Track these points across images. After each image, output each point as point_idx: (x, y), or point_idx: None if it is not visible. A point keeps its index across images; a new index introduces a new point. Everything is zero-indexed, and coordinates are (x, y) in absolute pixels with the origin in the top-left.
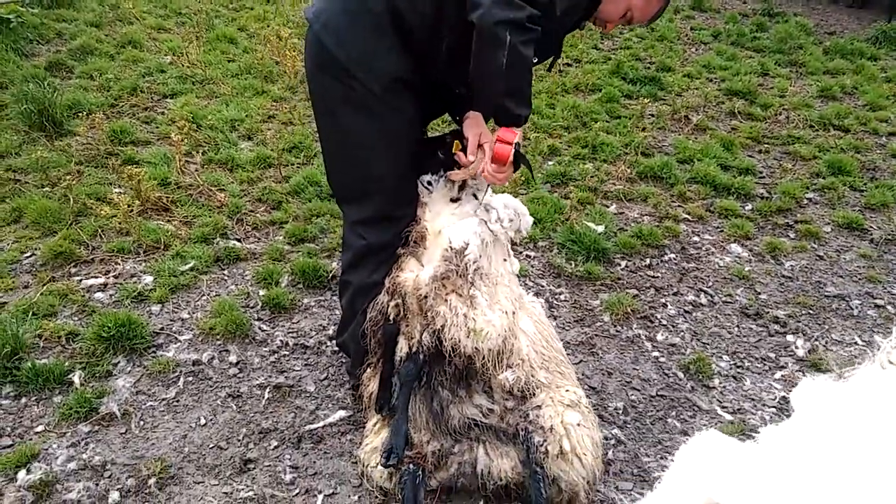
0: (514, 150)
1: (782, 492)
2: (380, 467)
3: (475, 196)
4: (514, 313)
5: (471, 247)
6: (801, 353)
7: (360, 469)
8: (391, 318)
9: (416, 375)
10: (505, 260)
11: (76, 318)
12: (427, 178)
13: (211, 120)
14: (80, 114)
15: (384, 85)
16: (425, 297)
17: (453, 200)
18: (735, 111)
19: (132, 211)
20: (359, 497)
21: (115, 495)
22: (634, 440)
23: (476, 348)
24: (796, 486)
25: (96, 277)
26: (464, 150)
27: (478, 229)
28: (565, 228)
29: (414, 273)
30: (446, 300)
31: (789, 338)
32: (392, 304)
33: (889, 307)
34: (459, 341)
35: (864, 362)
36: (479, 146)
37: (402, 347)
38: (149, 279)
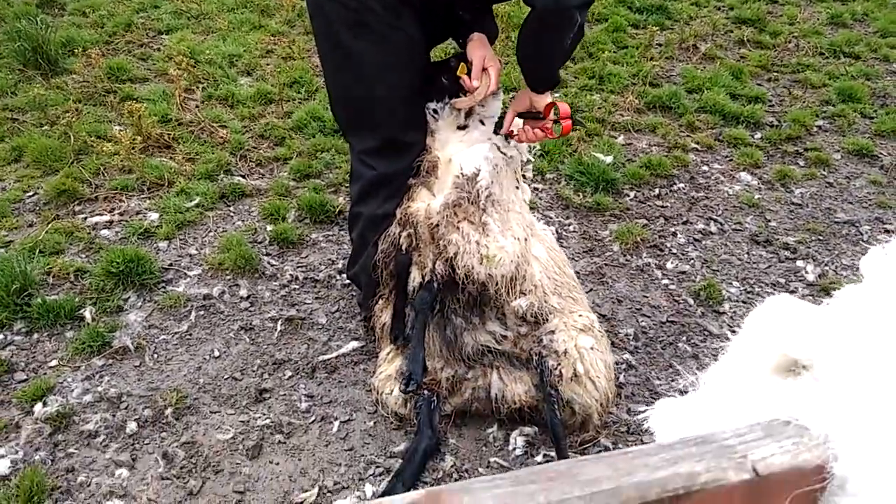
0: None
1: (861, 347)
2: (395, 394)
3: (482, 122)
4: (526, 240)
5: (482, 173)
6: (811, 277)
7: (374, 396)
8: (403, 248)
9: (430, 304)
10: (517, 188)
11: (84, 255)
12: (433, 105)
13: (209, 55)
14: (76, 51)
15: (384, 3)
16: (437, 225)
17: (460, 128)
18: (744, 39)
19: (134, 148)
20: (374, 423)
21: (132, 425)
22: (646, 364)
23: (489, 275)
24: (870, 341)
25: (101, 215)
26: (469, 74)
27: (489, 155)
28: (573, 160)
29: (425, 203)
30: (458, 228)
31: (799, 263)
32: (404, 234)
33: None
34: (472, 268)
35: None
36: (484, 70)
37: (415, 278)
38: (154, 216)
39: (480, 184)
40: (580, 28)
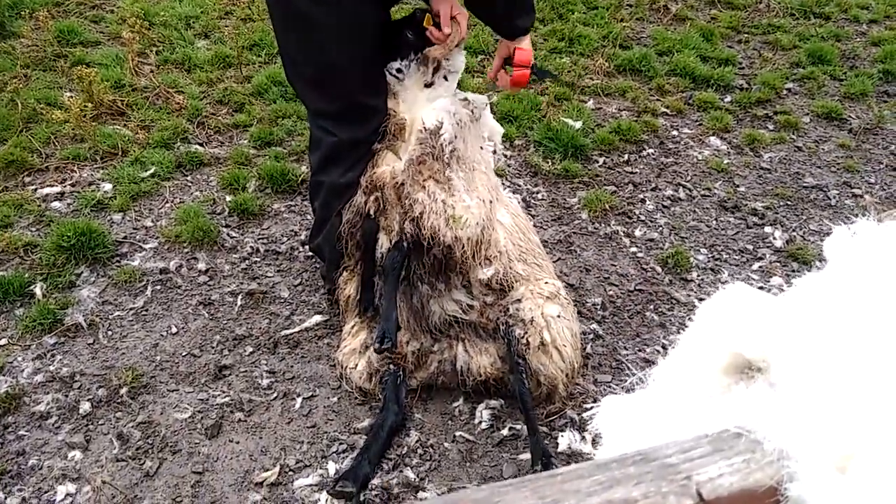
0: (533, 66)
1: (816, 345)
2: (359, 368)
3: (446, 79)
4: (491, 202)
5: (445, 126)
6: (778, 243)
7: (338, 371)
8: (370, 213)
9: (401, 263)
10: (482, 148)
11: (34, 229)
12: (396, 65)
13: (164, 17)
14: (23, 13)
15: None
16: (402, 184)
17: (427, 86)
18: None
19: (85, 115)
20: (338, 399)
21: (86, 406)
22: (613, 334)
23: (456, 236)
24: (831, 339)
25: (52, 186)
26: (436, 25)
27: (451, 108)
28: (542, 126)
29: (391, 166)
30: (424, 186)
31: (767, 229)
32: (371, 199)
33: (867, 196)
34: (438, 229)
35: None
36: (453, 18)
37: (383, 244)
38: (108, 187)
39: (444, 137)
40: None
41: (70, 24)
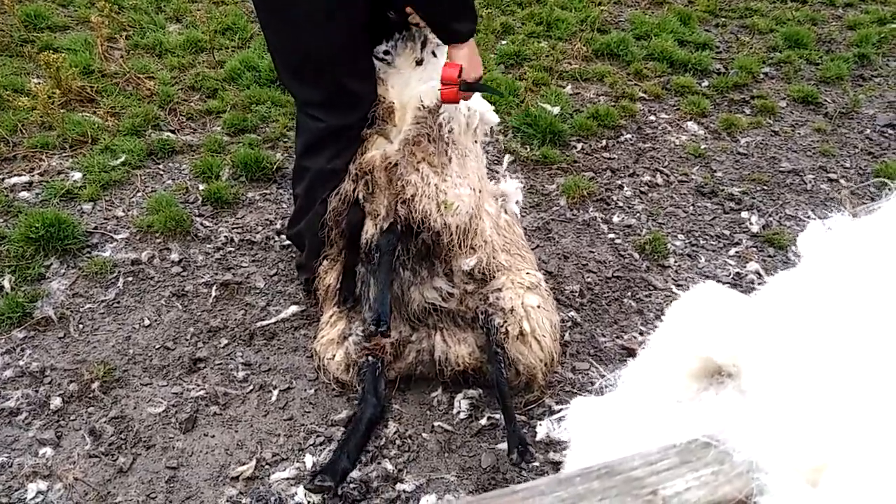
0: (460, 83)
1: (788, 349)
2: (337, 358)
3: (434, 55)
4: (480, 192)
5: (444, 106)
6: (755, 229)
7: (316, 363)
8: (360, 198)
9: (395, 246)
10: (476, 142)
11: (1, 220)
12: (383, 47)
13: (134, 0)
14: None
15: None
16: (395, 165)
17: (418, 63)
18: None
19: (53, 102)
20: (315, 391)
21: (56, 401)
22: (591, 321)
23: (445, 223)
24: (804, 343)
25: (20, 175)
26: None
27: None
28: (520, 111)
29: (381, 149)
30: (417, 169)
31: (744, 214)
32: (360, 184)
33: (842, 181)
34: (430, 213)
35: (886, 197)
36: None
37: (369, 230)
38: (77, 176)
39: (442, 117)
40: None
41: (37, 7)
